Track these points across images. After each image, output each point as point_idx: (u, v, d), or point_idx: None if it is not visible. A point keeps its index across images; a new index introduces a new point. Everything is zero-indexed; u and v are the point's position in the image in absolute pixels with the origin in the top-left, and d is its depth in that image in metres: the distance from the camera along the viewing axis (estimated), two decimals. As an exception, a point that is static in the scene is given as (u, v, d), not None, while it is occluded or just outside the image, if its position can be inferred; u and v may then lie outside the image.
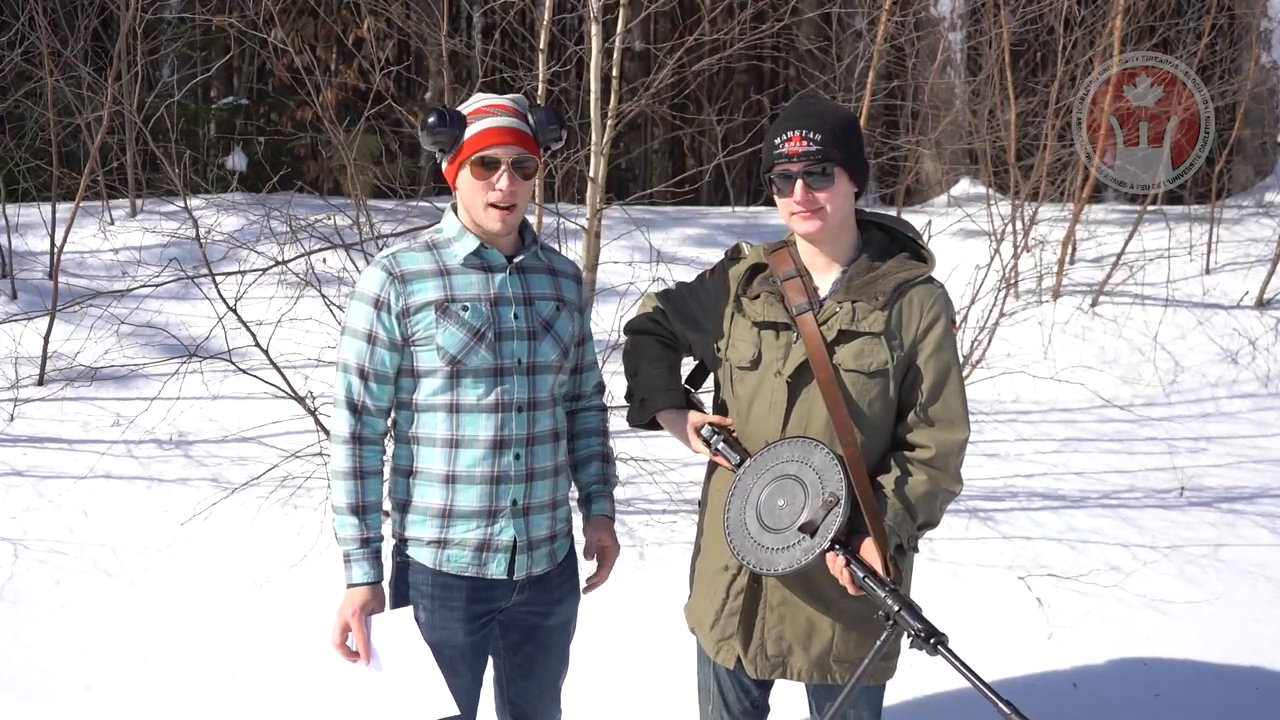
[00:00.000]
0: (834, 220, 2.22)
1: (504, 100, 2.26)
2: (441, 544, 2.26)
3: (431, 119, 2.19)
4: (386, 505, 2.34)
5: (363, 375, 2.24)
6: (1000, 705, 1.95)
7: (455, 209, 2.32)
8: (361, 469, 2.24)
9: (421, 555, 2.28)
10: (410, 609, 2.26)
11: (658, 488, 4.90)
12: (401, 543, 2.32)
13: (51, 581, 4.08)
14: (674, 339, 2.48)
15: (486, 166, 2.20)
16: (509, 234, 2.29)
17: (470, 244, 2.25)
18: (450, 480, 2.25)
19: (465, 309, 2.21)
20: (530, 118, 2.27)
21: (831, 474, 2.13)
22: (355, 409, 2.24)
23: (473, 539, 2.26)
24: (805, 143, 2.17)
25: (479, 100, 2.26)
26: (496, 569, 2.28)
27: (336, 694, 2.27)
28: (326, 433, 4.33)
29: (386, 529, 2.33)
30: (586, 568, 2.54)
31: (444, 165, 2.28)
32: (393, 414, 2.31)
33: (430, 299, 2.21)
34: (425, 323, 2.20)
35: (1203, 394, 6.35)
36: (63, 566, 4.17)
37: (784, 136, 2.19)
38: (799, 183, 2.18)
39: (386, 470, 2.33)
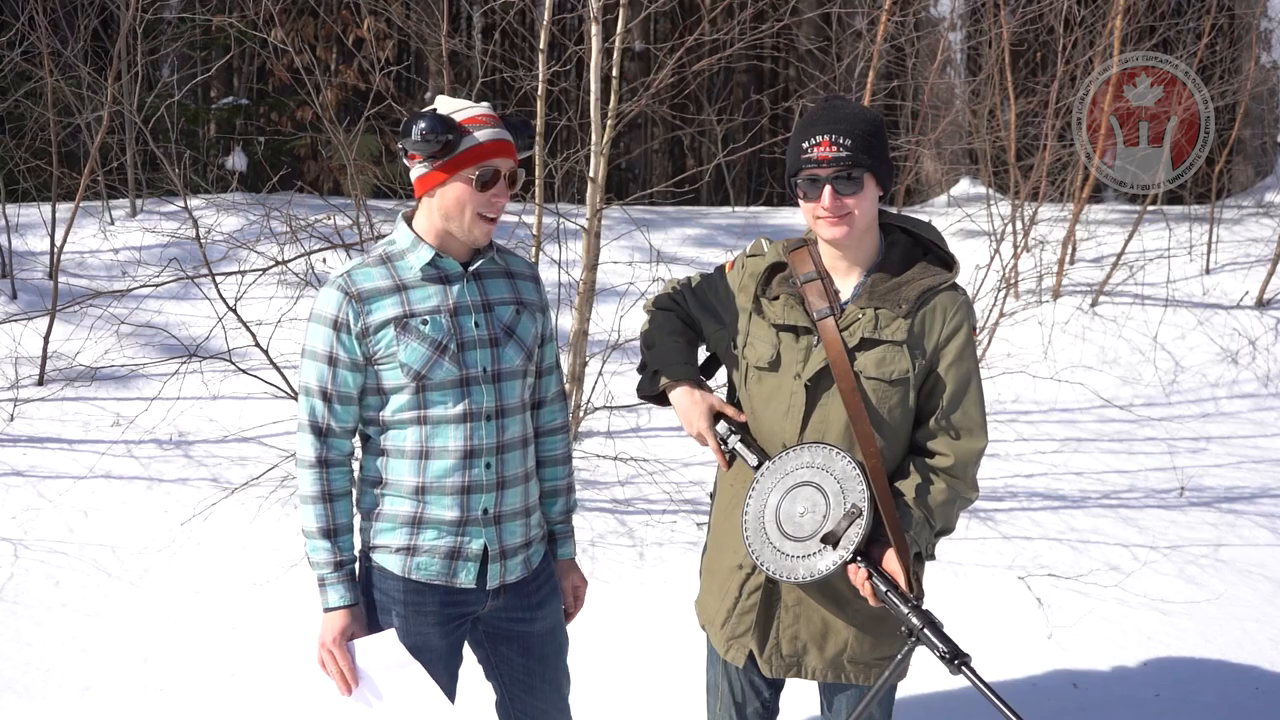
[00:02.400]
0: (860, 225, 2.19)
1: (487, 110, 2.22)
2: (410, 551, 2.24)
3: (427, 123, 2.12)
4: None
5: (325, 398, 2.21)
6: None
7: (409, 219, 2.27)
8: (330, 492, 2.22)
9: (389, 562, 2.25)
10: (393, 632, 2.24)
11: (658, 488, 4.89)
12: (369, 550, 2.29)
13: (51, 581, 4.08)
14: (693, 321, 2.45)
15: (490, 180, 2.18)
16: (487, 242, 2.26)
17: (425, 255, 2.22)
18: (421, 491, 2.23)
19: (425, 323, 2.18)
20: (508, 124, 2.24)
21: (853, 483, 2.11)
22: (320, 432, 2.22)
23: (442, 546, 2.24)
24: (835, 148, 2.12)
25: (466, 107, 2.20)
26: (466, 578, 2.26)
27: (335, 717, 2.26)
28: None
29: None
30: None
31: (424, 169, 2.19)
32: (360, 429, 2.29)
33: (389, 316, 2.17)
34: (386, 340, 2.17)
35: (1203, 394, 6.35)
36: (63, 566, 4.17)
37: (813, 141, 2.14)
38: (827, 188, 2.13)
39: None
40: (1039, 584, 4.21)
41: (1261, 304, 7.01)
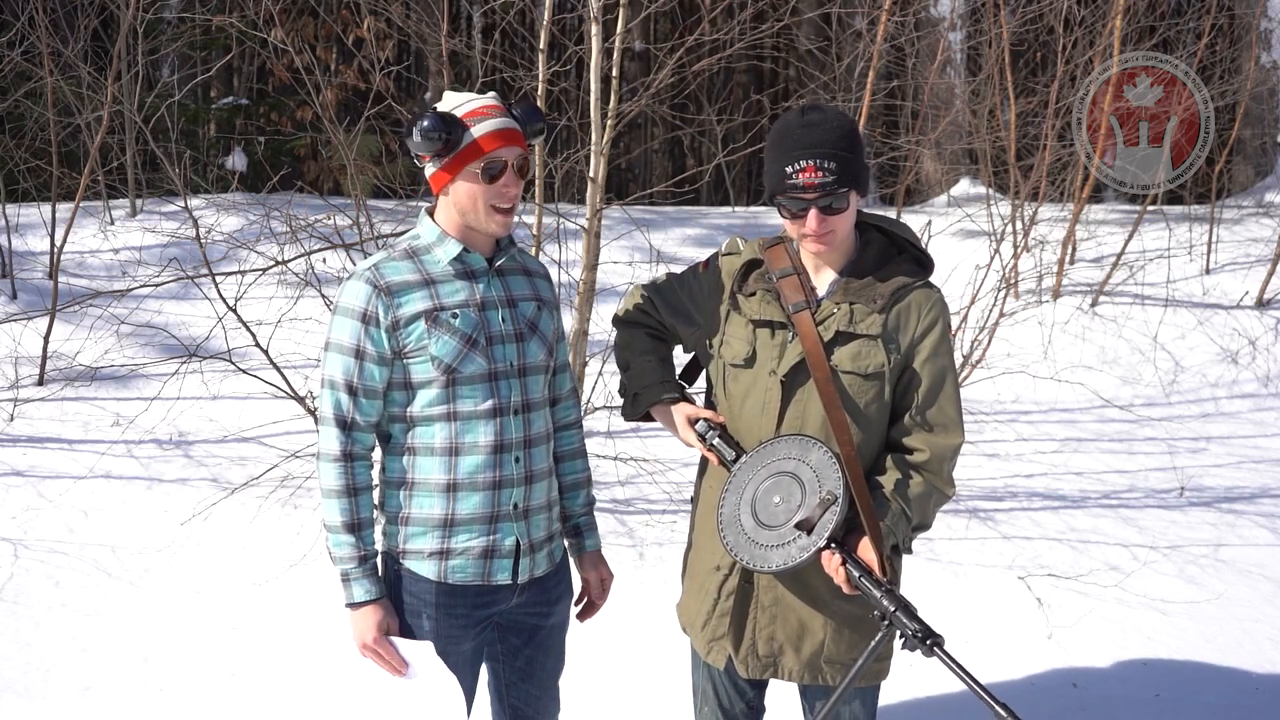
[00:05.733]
0: (842, 236, 2.21)
1: (491, 99, 2.21)
2: (444, 554, 2.23)
3: (428, 122, 2.12)
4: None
5: (351, 391, 2.19)
6: (996, 707, 1.95)
7: (432, 213, 2.28)
8: (354, 486, 2.21)
9: (422, 568, 2.24)
10: (430, 644, 2.21)
11: (658, 488, 4.90)
12: (398, 555, 2.27)
13: (51, 581, 4.08)
14: (664, 330, 2.46)
15: (498, 172, 2.17)
16: (507, 234, 2.28)
17: (453, 249, 2.22)
18: (451, 489, 2.22)
19: (455, 316, 2.19)
20: (515, 111, 2.24)
21: (829, 472, 2.12)
22: (345, 425, 2.20)
23: (476, 547, 2.24)
24: (820, 173, 2.10)
25: (467, 100, 2.20)
26: (501, 575, 2.27)
27: (364, 713, 2.25)
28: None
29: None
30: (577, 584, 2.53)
31: (433, 169, 2.21)
32: (383, 426, 2.28)
33: (419, 309, 2.17)
34: (417, 334, 2.17)
35: (1203, 394, 6.34)
36: (63, 566, 4.17)
37: (797, 166, 2.11)
38: (813, 211, 2.14)
39: (376, 482, 2.32)
40: (1039, 584, 4.21)
41: (1261, 304, 7.00)
